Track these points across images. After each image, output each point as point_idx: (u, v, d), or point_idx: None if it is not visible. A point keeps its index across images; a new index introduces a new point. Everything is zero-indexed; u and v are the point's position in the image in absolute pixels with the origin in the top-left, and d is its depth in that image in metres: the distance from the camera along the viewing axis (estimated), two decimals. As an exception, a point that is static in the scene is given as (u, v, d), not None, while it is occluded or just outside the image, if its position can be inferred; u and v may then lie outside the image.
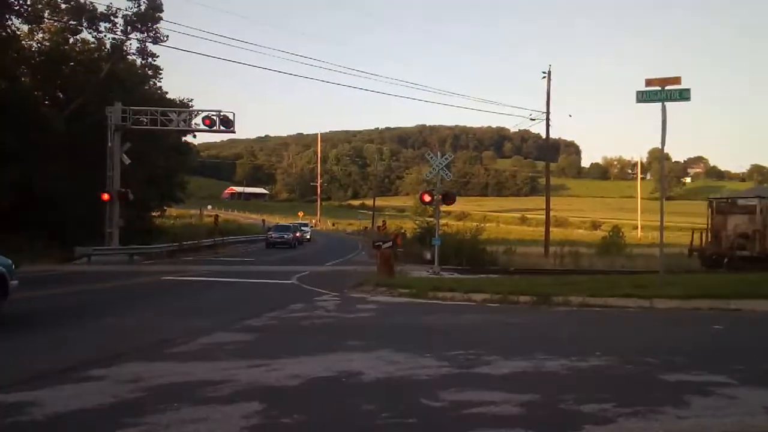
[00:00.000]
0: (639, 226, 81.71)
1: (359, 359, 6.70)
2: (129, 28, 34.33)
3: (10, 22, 29.45)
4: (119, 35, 34.43)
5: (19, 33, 31.07)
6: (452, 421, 4.48)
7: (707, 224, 24.59)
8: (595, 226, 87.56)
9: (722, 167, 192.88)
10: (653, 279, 13.96)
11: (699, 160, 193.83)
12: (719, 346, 7.95)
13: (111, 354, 7.01)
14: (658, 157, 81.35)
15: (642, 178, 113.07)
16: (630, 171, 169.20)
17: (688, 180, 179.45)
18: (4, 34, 28.61)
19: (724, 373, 5.91)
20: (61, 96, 33.55)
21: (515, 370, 6.15)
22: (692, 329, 9.24)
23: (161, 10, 34.50)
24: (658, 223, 14.54)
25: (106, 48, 35.10)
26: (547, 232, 38.04)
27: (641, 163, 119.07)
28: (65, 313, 10.93)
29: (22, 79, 31.83)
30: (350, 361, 6.56)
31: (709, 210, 24.77)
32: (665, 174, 21.54)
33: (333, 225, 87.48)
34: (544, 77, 37.23)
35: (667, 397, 5.03)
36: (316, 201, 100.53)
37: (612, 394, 5.17)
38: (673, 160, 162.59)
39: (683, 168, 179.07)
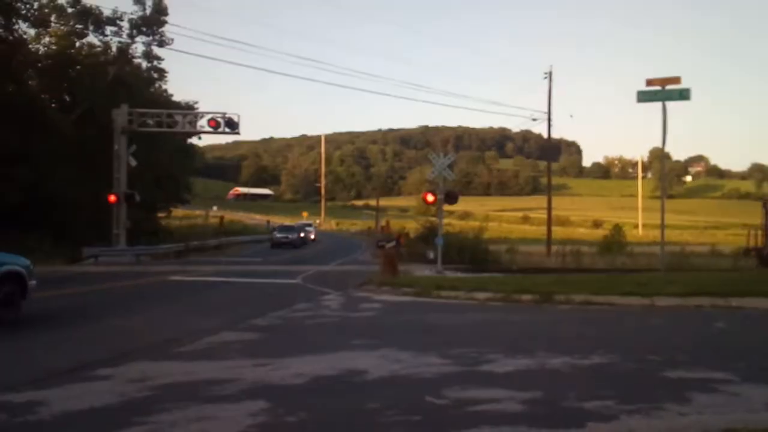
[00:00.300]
0: (640, 225, 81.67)
1: (364, 358, 6.74)
2: (135, 31, 34.58)
3: (17, 26, 29.58)
4: (125, 39, 34.74)
5: (26, 37, 31.19)
6: (456, 418, 4.52)
7: (762, 223, 25.32)
8: (597, 224, 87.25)
9: (723, 166, 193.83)
10: (655, 277, 13.98)
11: (700, 158, 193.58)
12: (721, 343, 7.97)
13: (118, 353, 7.08)
14: (659, 156, 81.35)
15: (643, 177, 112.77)
16: (631, 170, 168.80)
17: (688, 179, 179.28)
18: (11, 38, 28.70)
19: (726, 370, 5.94)
20: (68, 99, 33.70)
21: (518, 368, 6.19)
22: (694, 327, 9.25)
23: (166, 14, 34.78)
24: (659, 222, 14.58)
25: (112, 51, 35.29)
26: (549, 231, 37.98)
27: (642, 162, 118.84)
28: (74, 313, 11.01)
29: (30, 82, 31.95)
30: (355, 360, 6.60)
31: (763, 210, 25.50)
32: (666, 173, 21.67)
33: (337, 225, 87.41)
34: (546, 78, 37.30)
35: (669, 394, 5.05)
36: (320, 201, 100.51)
37: (614, 391, 5.20)
38: (673, 159, 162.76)
39: (684, 167, 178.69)
